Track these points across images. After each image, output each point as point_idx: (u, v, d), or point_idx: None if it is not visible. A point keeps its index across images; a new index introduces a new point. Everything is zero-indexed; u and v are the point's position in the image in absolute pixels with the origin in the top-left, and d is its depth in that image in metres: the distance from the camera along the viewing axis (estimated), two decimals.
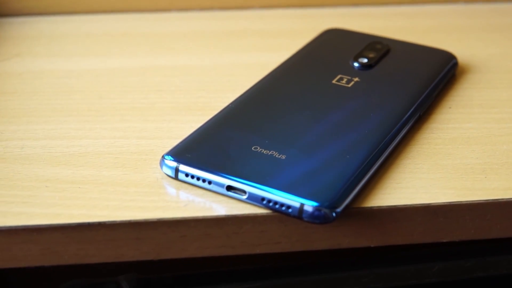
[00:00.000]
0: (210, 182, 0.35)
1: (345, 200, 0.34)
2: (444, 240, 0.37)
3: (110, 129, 0.41)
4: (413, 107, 0.41)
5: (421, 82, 0.44)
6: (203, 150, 0.37)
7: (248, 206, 0.35)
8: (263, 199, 0.34)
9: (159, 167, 0.37)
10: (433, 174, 0.37)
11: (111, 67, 0.48)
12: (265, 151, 0.37)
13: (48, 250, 0.34)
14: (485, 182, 0.37)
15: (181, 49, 0.51)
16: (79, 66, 0.48)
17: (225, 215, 0.34)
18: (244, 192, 0.35)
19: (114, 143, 0.40)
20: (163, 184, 0.36)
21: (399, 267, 0.40)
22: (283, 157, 0.36)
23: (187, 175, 0.36)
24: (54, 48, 0.51)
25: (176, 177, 0.36)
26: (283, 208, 0.34)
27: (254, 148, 0.37)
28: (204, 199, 0.35)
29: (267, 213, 0.34)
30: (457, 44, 0.52)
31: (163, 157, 0.37)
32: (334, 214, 0.34)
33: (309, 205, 0.33)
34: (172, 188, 0.36)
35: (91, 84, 0.46)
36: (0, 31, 0.53)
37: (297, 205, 0.33)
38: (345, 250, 0.37)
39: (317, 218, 0.33)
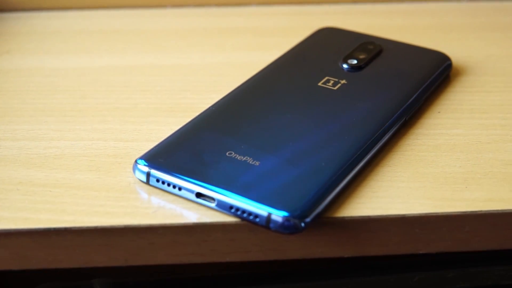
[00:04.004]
0: (180, 188, 0.35)
1: (315, 210, 0.33)
2: (421, 252, 0.36)
3: (89, 130, 0.41)
4: (398, 111, 0.40)
5: (410, 85, 0.43)
6: (176, 155, 0.36)
7: (219, 214, 0.34)
8: (231, 207, 0.33)
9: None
10: (412, 183, 0.36)
11: (98, 65, 0.48)
12: (239, 157, 0.36)
13: (17, 255, 0.34)
14: (465, 193, 0.35)
15: (171, 47, 0.50)
16: (66, 64, 0.48)
17: (193, 223, 0.34)
18: (213, 199, 0.34)
19: (91, 145, 0.39)
20: (135, 189, 0.36)
21: (379, 276, 0.39)
22: (257, 163, 0.35)
23: (158, 180, 0.35)
24: (44, 45, 0.50)
25: (148, 182, 0.36)
26: (251, 217, 0.33)
27: (228, 154, 0.36)
28: (174, 205, 0.35)
29: (236, 221, 0.34)
30: (455, 44, 0.50)
31: (136, 161, 0.36)
32: (303, 224, 0.33)
33: (277, 215, 0.33)
34: (144, 193, 0.36)
35: (76, 83, 0.46)
36: None
37: (264, 214, 0.33)
38: (326, 258, 0.36)
39: (285, 228, 0.33)
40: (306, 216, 0.33)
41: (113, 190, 0.36)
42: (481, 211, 0.34)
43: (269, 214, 0.33)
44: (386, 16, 0.55)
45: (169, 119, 0.42)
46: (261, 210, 0.33)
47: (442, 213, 0.34)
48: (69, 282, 0.38)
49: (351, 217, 0.34)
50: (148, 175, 0.36)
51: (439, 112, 0.42)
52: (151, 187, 0.36)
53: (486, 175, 0.37)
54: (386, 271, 0.39)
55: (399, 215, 0.34)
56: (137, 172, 0.36)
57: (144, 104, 0.43)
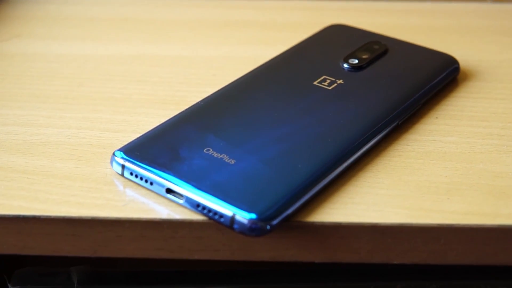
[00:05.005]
0: (151, 183, 0.34)
1: (282, 213, 0.32)
2: (395, 262, 0.34)
3: (79, 118, 0.41)
4: (390, 115, 0.39)
5: (408, 88, 0.41)
6: (153, 149, 0.36)
7: (188, 211, 0.34)
8: (198, 205, 0.33)
9: None
10: (392, 190, 0.35)
11: (102, 53, 0.48)
12: (216, 154, 0.35)
13: None
14: (445, 204, 0.34)
15: (177, 38, 0.50)
16: (71, 51, 0.48)
17: (160, 219, 0.33)
18: (182, 196, 0.34)
19: (77, 133, 0.39)
20: (110, 181, 0.36)
21: (359, 283, 0.38)
22: (232, 161, 0.35)
23: (131, 173, 0.35)
24: (54, 31, 0.51)
25: (122, 175, 0.36)
26: (216, 216, 0.33)
27: (206, 150, 0.36)
28: (146, 199, 0.35)
29: (203, 220, 0.33)
30: (468, 47, 0.48)
31: (113, 153, 0.36)
32: (268, 227, 0.32)
33: (241, 216, 0.32)
34: (118, 185, 0.35)
35: (76, 70, 0.46)
36: (8, 10, 0.54)
37: (229, 214, 0.32)
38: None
39: (249, 230, 0.32)
40: (272, 219, 0.32)
41: (88, 181, 0.36)
42: (458, 224, 0.33)
43: (234, 215, 0.32)
44: (403, 15, 0.53)
45: (160, 111, 0.41)
46: (226, 209, 0.32)
47: (416, 224, 0.33)
48: (48, 268, 0.39)
49: (322, 222, 0.33)
50: (123, 167, 0.35)
51: (436, 118, 0.41)
52: (126, 180, 0.36)
53: (471, 186, 0.35)
54: (367, 278, 0.38)
55: (371, 223, 0.33)
56: (114, 164, 0.36)
57: (138, 95, 0.43)
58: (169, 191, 0.34)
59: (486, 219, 0.33)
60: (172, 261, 0.36)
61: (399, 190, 0.35)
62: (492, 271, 0.38)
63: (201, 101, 0.40)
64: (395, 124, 0.39)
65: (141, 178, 0.35)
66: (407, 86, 0.41)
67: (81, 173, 0.36)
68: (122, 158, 0.35)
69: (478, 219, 0.33)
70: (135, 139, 0.37)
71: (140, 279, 0.39)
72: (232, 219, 0.32)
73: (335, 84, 0.41)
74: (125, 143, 0.38)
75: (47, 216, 0.34)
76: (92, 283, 0.38)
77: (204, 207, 0.33)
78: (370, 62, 0.44)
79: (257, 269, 0.39)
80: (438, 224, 0.33)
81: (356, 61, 0.43)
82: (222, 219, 0.32)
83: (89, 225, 0.34)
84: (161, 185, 0.34)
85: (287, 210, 0.33)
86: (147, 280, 0.39)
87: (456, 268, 0.38)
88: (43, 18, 0.53)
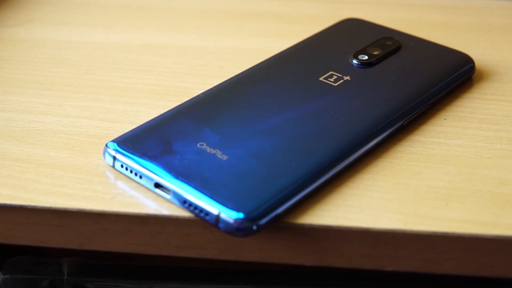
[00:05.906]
0: (141, 176, 0.34)
1: (270, 213, 0.31)
2: (388, 269, 0.33)
3: (79, 107, 0.40)
4: (395, 115, 0.37)
5: (417, 87, 0.40)
6: (146, 142, 0.35)
7: (176, 207, 0.33)
8: (185, 201, 0.32)
9: None
10: (389, 194, 0.34)
11: (112, 41, 0.47)
12: (209, 149, 0.35)
13: None
14: (443, 211, 0.33)
15: (189, 27, 0.49)
16: (81, 38, 0.48)
17: (146, 214, 0.33)
18: (170, 191, 0.33)
19: (75, 122, 0.39)
20: (101, 173, 0.35)
21: None
22: (225, 157, 0.34)
23: (122, 165, 0.34)
24: (66, 17, 0.50)
25: (114, 167, 0.35)
26: (202, 214, 0.32)
27: (199, 145, 0.35)
28: (135, 193, 0.34)
29: (190, 216, 0.32)
30: (488, 46, 0.46)
31: (106, 144, 0.35)
32: (254, 227, 0.31)
33: (227, 214, 0.31)
34: (109, 178, 0.35)
35: (84, 58, 0.45)
36: None
37: (215, 212, 0.31)
38: None
39: (235, 229, 0.31)
40: (259, 219, 0.31)
41: (79, 171, 0.35)
42: (454, 233, 0.32)
43: (219, 213, 0.31)
44: (424, 10, 0.52)
45: (161, 103, 0.40)
46: (212, 207, 0.31)
47: (409, 230, 0.32)
48: (39, 257, 0.38)
49: (311, 224, 0.32)
50: (114, 159, 0.35)
51: (445, 119, 0.39)
52: (118, 172, 0.35)
53: (473, 193, 0.34)
54: (362, 282, 0.37)
55: (361, 227, 0.32)
56: (106, 155, 0.35)
57: (142, 85, 0.42)
58: (157, 185, 0.33)
59: (485, 228, 0.32)
60: (165, 256, 0.36)
61: (396, 194, 0.34)
62: (491, 283, 0.36)
63: (202, 93, 0.39)
64: (399, 124, 0.37)
65: (131, 171, 0.34)
66: (415, 85, 0.40)
67: (74, 164, 0.36)
68: (114, 149, 0.35)
69: (477, 228, 0.32)
70: (129, 131, 0.36)
71: (131, 273, 0.38)
72: (217, 218, 0.31)
73: (341, 81, 0.40)
74: (121, 134, 0.37)
75: (33, 206, 0.33)
76: (82, 274, 0.38)
77: (190, 204, 0.32)
78: (380, 59, 0.42)
79: (250, 269, 0.38)
80: (433, 232, 0.32)
81: (366, 57, 0.42)
82: (207, 217, 0.32)
83: (75, 217, 0.33)
84: (150, 179, 0.33)
85: (275, 210, 0.32)
86: (138, 274, 0.38)
87: (454, 277, 0.37)
88: (57, 4, 0.52)
